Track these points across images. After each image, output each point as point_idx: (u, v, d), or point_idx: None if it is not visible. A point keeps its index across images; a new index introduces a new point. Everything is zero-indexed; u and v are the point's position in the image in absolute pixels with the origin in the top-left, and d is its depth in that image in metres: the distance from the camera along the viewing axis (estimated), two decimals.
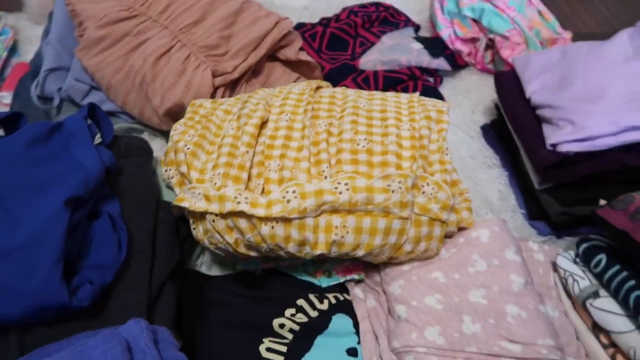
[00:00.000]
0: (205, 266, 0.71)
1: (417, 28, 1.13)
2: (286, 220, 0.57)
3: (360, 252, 0.59)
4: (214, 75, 0.84)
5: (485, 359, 0.54)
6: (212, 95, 0.85)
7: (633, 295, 0.55)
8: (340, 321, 0.61)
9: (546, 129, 0.73)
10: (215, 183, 0.60)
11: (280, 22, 0.91)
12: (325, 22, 1.10)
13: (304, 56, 0.93)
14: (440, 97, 0.97)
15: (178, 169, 0.64)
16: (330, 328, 0.60)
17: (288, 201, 0.57)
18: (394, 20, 1.12)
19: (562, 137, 0.69)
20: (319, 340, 0.59)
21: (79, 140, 0.60)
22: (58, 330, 0.49)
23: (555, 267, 0.67)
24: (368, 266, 0.68)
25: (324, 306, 0.61)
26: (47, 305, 0.47)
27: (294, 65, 0.95)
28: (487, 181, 0.84)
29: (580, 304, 0.62)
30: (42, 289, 0.47)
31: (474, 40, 1.05)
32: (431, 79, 1.02)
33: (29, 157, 0.55)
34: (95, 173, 0.55)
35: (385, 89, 0.96)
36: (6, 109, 0.91)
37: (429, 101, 0.72)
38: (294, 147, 0.63)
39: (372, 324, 0.61)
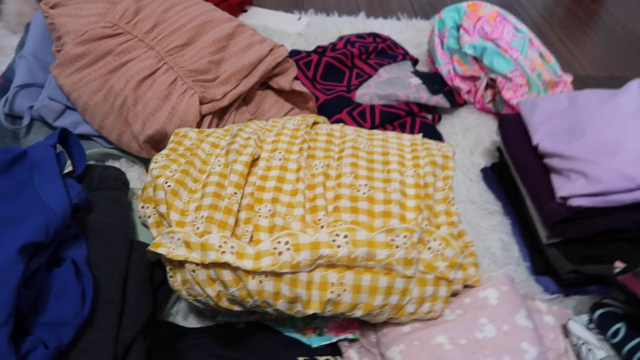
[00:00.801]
0: (181, 315, 0.63)
1: (415, 62, 1.09)
2: (276, 274, 0.51)
3: (358, 313, 0.53)
4: (202, 102, 0.78)
5: None
6: (199, 124, 0.78)
7: None
8: None
9: (556, 180, 0.68)
10: (198, 228, 0.53)
11: (275, 49, 0.86)
12: (321, 50, 1.05)
13: (298, 86, 0.87)
14: (438, 135, 0.92)
15: (156, 208, 0.58)
16: None
17: (280, 253, 0.50)
18: (391, 52, 1.08)
19: (574, 190, 0.64)
20: None
21: (44, 174, 0.53)
22: None
23: (565, 331, 0.62)
24: (364, 324, 0.61)
25: None
26: None
27: (287, 95, 0.89)
28: (488, 229, 0.79)
29: None
30: None
31: (473, 78, 1.02)
32: (429, 116, 0.98)
33: None
34: (60, 214, 0.48)
35: (381, 123, 0.91)
36: None
37: (434, 144, 0.67)
38: (288, 190, 0.57)
39: None
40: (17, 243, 0.42)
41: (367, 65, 1.03)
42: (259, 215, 0.54)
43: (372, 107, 0.93)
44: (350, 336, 0.59)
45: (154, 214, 0.60)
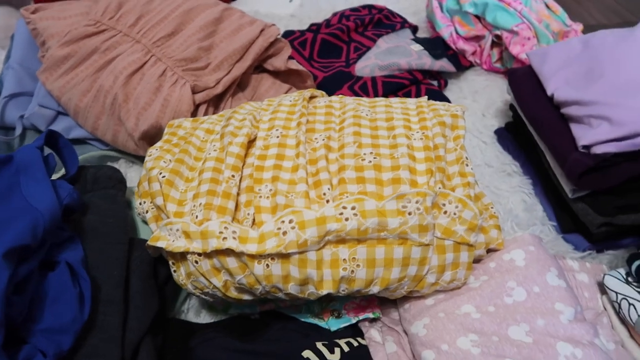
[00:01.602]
0: (192, 312, 0.60)
1: (414, 29, 1.04)
2: (283, 256, 0.47)
3: (374, 289, 0.49)
4: (194, 91, 0.75)
5: None
6: (194, 114, 0.75)
7: None
8: None
9: (576, 129, 0.63)
10: (197, 216, 0.50)
11: (266, 29, 0.82)
12: (315, 28, 1.01)
13: (294, 65, 0.84)
14: (446, 101, 0.88)
15: (153, 201, 0.55)
16: None
17: (284, 233, 0.47)
18: (389, 22, 1.03)
19: (598, 136, 0.60)
20: None
21: (31, 175, 0.50)
22: None
23: (602, 288, 0.57)
24: (384, 301, 0.58)
25: (335, 356, 0.50)
26: None
27: (284, 76, 0.86)
28: (509, 191, 0.75)
29: (639, 332, 0.52)
30: None
31: (478, 38, 0.97)
32: (435, 83, 0.93)
33: None
34: (47, 215, 0.45)
35: (385, 95, 0.87)
36: None
37: (440, 105, 0.62)
38: (288, 167, 0.53)
39: None
40: (1, 248, 0.40)
41: (364, 37, 0.99)
42: (260, 197, 0.51)
43: (373, 79, 0.88)
44: (370, 315, 0.56)
45: (152, 208, 0.57)
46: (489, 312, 0.51)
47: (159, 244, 0.50)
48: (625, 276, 0.56)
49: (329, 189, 0.51)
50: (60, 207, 0.49)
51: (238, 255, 0.48)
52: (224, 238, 0.47)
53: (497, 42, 0.95)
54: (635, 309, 0.52)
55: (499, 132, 0.84)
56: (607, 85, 0.62)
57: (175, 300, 0.60)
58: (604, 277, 0.56)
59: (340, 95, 0.66)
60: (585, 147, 0.61)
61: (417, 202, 0.48)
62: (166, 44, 0.77)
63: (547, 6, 0.98)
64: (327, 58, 0.96)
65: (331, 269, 0.48)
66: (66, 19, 0.82)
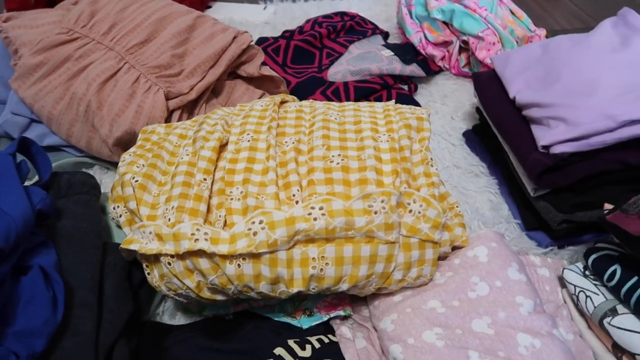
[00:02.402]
0: (167, 314, 0.61)
1: (385, 35, 1.07)
2: (254, 256, 0.49)
3: (343, 286, 0.51)
4: (168, 97, 0.76)
5: None
6: (168, 120, 0.76)
7: None
8: None
9: (536, 130, 0.66)
10: (169, 219, 0.51)
11: (238, 36, 0.83)
12: (288, 34, 1.03)
13: (267, 71, 0.85)
14: (416, 105, 0.90)
15: (126, 205, 0.56)
16: None
17: (255, 233, 0.48)
18: (360, 29, 1.06)
19: (555, 137, 0.62)
20: None
21: (3, 182, 0.51)
22: None
23: (562, 282, 0.60)
24: (354, 299, 0.59)
25: (307, 353, 0.52)
26: None
27: (257, 82, 0.87)
28: (476, 191, 0.77)
29: (596, 323, 0.54)
30: None
31: (446, 43, 1.00)
32: (405, 87, 0.96)
33: None
34: (20, 221, 0.46)
35: (357, 100, 0.89)
36: None
37: (407, 108, 0.65)
38: (259, 170, 0.55)
39: None
40: None
41: (336, 43, 1.01)
42: (231, 199, 0.52)
43: (345, 84, 0.91)
44: (341, 313, 0.57)
45: (125, 212, 0.58)
46: (454, 307, 0.53)
47: (132, 246, 0.51)
48: (582, 270, 0.58)
49: (298, 190, 0.53)
50: (33, 213, 0.50)
51: (210, 256, 0.49)
52: (196, 239, 0.49)
53: (465, 47, 0.99)
54: (591, 300, 0.55)
55: (466, 135, 0.87)
56: (563, 87, 0.65)
57: (150, 303, 0.61)
58: (563, 271, 0.59)
59: (310, 100, 0.68)
60: (544, 147, 0.64)
61: (382, 201, 0.50)
62: (139, 52, 0.78)
63: (512, 12, 1.02)
64: (300, 64, 0.98)
65: (301, 268, 0.50)
66: (38, 27, 0.82)
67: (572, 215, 0.65)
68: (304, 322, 0.56)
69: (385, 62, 0.93)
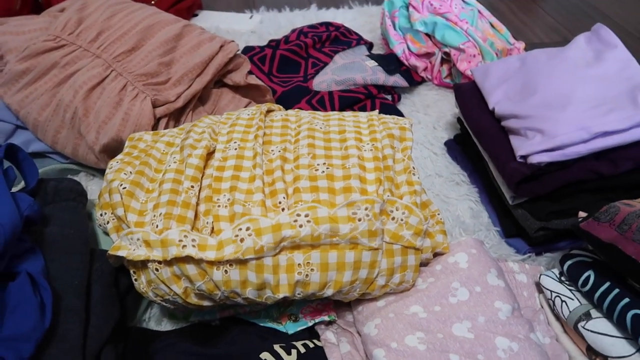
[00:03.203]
0: (154, 320, 0.62)
1: (370, 46, 1.09)
2: (241, 262, 0.50)
3: (328, 292, 0.52)
4: (155, 105, 0.77)
5: None
6: (155, 127, 0.77)
7: (629, 314, 0.50)
8: None
9: (514, 141, 0.69)
10: (157, 225, 0.52)
11: (225, 45, 0.85)
12: (274, 44, 1.05)
13: (253, 80, 0.86)
14: (399, 114, 0.92)
15: (114, 212, 0.56)
16: None
17: (242, 240, 0.49)
18: (345, 39, 1.08)
19: (532, 147, 0.65)
20: None
21: None
22: None
23: (539, 288, 0.62)
24: (339, 305, 0.61)
25: (292, 357, 0.53)
26: None
27: (244, 90, 0.89)
28: (457, 199, 0.80)
29: (571, 327, 0.56)
30: None
31: (428, 55, 1.02)
32: (389, 97, 0.98)
33: None
34: (8, 227, 0.46)
35: (341, 109, 0.91)
36: None
37: (390, 118, 0.66)
38: (245, 177, 0.56)
39: None
40: None
41: (321, 53, 1.03)
42: (218, 206, 0.53)
43: (330, 93, 0.92)
44: (326, 318, 0.58)
45: (112, 219, 0.58)
46: (435, 312, 0.54)
47: (120, 253, 0.52)
48: (558, 276, 0.61)
49: (284, 197, 0.54)
50: (21, 219, 0.50)
51: (197, 262, 0.50)
52: (184, 246, 0.49)
53: (447, 58, 1.01)
54: (567, 305, 0.57)
55: (448, 144, 0.89)
56: (540, 100, 0.68)
57: (137, 309, 0.61)
58: (540, 276, 0.61)
59: (296, 110, 0.70)
60: (522, 157, 0.66)
61: (366, 208, 0.51)
62: (127, 59, 0.78)
63: (492, 25, 1.05)
64: (285, 73, 0.99)
65: (287, 274, 0.51)
66: (25, 33, 0.82)
67: (549, 223, 0.67)
68: (289, 327, 0.57)
69: (370, 72, 0.95)
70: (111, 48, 0.79)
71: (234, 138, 0.61)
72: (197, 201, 0.55)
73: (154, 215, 0.53)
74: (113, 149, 0.74)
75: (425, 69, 1.03)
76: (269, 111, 0.68)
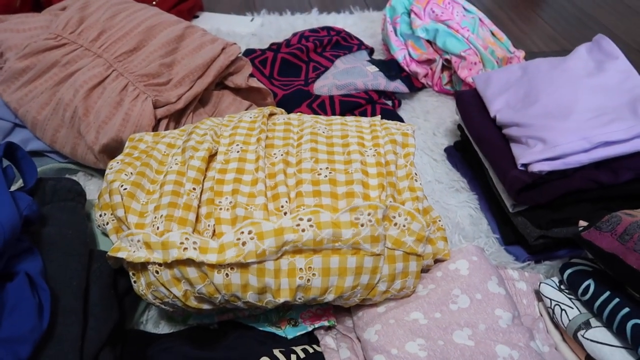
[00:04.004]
0: (151, 323, 0.61)
1: (370, 51, 1.10)
2: (242, 265, 0.49)
3: (329, 297, 0.52)
4: (156, 105, 0.76)
5: None
6: (155, 128, 0.77)
7: (629, 324, 0.50)
8: None
9: (515, 149, 0.69)
10: (158, 227, 0.51)
11: (227, 47, 0.84)
12: (275, 47, 1.05)
13: (254, 83, 0.86)
14: (399, 120, 0.92)
15: (114, 213, 0.56)
16: None
17: (243, 243, 0.49)
18: (346, 44, 1.08)
19: (534, 156, 0.65)
20: None
21: None
22: None
23: (539, 295, 0.62)
24: (338, 310, 0.60)
25: None
26: None
27: (245, 93, 0.88)
28: (457, 206, 0.80)
29: (570, 336, 0.56)
30: None
31: (429, 61, 1.03)
32: (389, 102, 0.98)
33: None
34: (7, 227, 0.46)
35: (342, 114, 0.91)
36: None
37: (392, 124, 0.66)
38: (248, 180, 0.56)
39: None
40: None
41: (323, 57, 1.03)
42: (220, 209, 0.53)
43: (331, 97, 0.92)
44: (325, 323, 0.58)
45: (112, 220, 0.58)
46: (436, 318, 0.54)
47: (120, 254, 0.51)
48: (558, 284, 0.61)
49: (286, 201, 0.54)
50: (20, 219, 0.49)
51: (198, 265, 0.49)
52: (185, 248, 0.49)
53: (447, 65, 1.02)
54: (566, 314, 0.57)
55: (448, 150, 0.89)
56: (541, 109, 0.68)
57: (134, 311, 0.61)
58: (540, 285, 0.61)
59: (298, 113, 0.70)
60: (523, 165, 0.67)
61: (369, 214, 0.51)
62: (128, 60, 0.78)
63: (493, 34, 1.05)
64: (286, 76, 0.99)
65: (288, 278, 0.50)
66: (25, 31, 0.82)
67: (549, 231, 0.67)
68: (288, 332, 0.57)
69: (370, 77, 0.95)
70: (112, 48, 0.78)
71: (237, 141, 0.60)
72: (198, 203, 0.54)
73: (155, 217, 0.53)
74: (113, 149, 0.74)
75: (425, 76, 1.03)
76: (271, 114, 0.68)
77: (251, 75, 0.88)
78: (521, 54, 1.05)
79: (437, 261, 0.60)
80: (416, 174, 0.60)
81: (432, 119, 0.98)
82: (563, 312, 0.57)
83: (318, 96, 0.93)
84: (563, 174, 0.66)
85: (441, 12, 1.01)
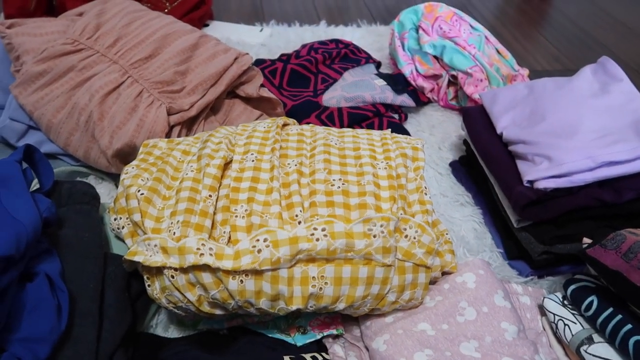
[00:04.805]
0: (161, 327, 0.62)
1: (378, 65, 1.12)
2: (257, 272, 0.51)
3: (340, 306, 0.53)
4: (170, 112, 0.78)
5: None
6: (168, 135, 0.78)
7: (632, 340, 0.51)
8: None
9: (522, 165, 0.70)
10: (174, 233, 0.53)
11: (240, 57, 0.86)
12: (285, 58, 1.07)
13: (265, 93, 0.88)
14: (406, 133, 0.94)
15: (130, 217, 0.57)
16: None
17: (259, 251, 0.50)
18: (354, 57, 1.10)
19: (540, 173, 0.67)
20: None
21: (11, 189, 0.51)
22: None
23: (542, 310, 0.63)
24: (347, 319, 0.61)
25: None
26: None
27: (255, 102, 0.90)
28: (461, 219, 0.81)
29: (573, 351, 0.58)
30: None
31: (436, 77, 1.05)
32: (396, 116, 1.00)
33: None
34: (30, 228, 0.47)
35: (350, 125, 0.92)
36: None
37: (403, 138, 0.68)
38: (263, 189, 0.57)
39: None
40: None
41: (331, 70, 1.05)
42: (236, 216, 0.54)
43: (339, 109, 0.94)
44: (334, 332, 0.59)
45: (128, 224, 0.59)
46: (443, 330, 0.56)
47: (137, 258, 0.52)
48: (561, 299, 0.62)
49: (300, 211, 0.55)
50: (41, 221, 0.50)
51: (214, 270, 0.51)
52: (201, 254, 0.50)
53: (453, 81, 1.04)
54: (569, 329, 0.58)
55: (453, 165, 0.91)
56: (547, 127, 0.70)
57: (145, 315, 0.62)
58: (543, 300, 0.62)
59: (310, 124, 0.71)
60: (529, 182, 0.68)
61: (381, 225, 0.53)
62: (143, 66, 0.79)
63: (498, 51, 1.07)
64: (296, 87, 1.01)
65: (301, 286, 0.52)
66: (42, 35, 0.83)
67: (552, 247, 0.69)
68: (297, 339, 0.58)
69: (378, 90, 0.97)
70: (128, 54, 0.80)
71: (251, 150, 0.62)
72: (214, 210, 0.55)
73: (172, 223, 0.54)
74: (126, 154, 0.75)
75: (431, 90, 1.05)
76: (284, 125, 0.70)
77: (262, 85, 0.90)
78: (525, 72, 1.07)
79: (444, 273, 0.61)
80: (426, 188, 0.62)
81: (437, 133, 0.99)
82: (566, 327, 0.58)
83: (327, 107, 0.94)
84: (568, 191, 0.68)
85: (449, 29, 1.03)
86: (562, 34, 1.44)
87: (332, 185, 0.57)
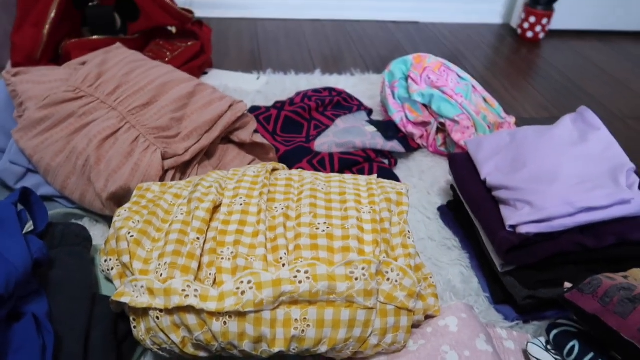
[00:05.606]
0: None
1: (369, 112, 1.15)
2: (240, 314, 0.52)
3: (322, 348, 0.54)
4: (165, 157, 0.80)
5: None
6: (162, 178, 0.80)
7: None
8: None
9: (504, 211, 0.72)
10: (161, 274, 0.54)
11: (234, 104, 0.90)
12: (279, 105, 1.11)
13: (258, 138, 0.91)
14: (395, 178, 0.97)
15: (119, 259, 0.58)
16: None
17: (242, 293, 0.51)
18: (347, 104, 1.14)
19: (521, 218, 0.68)
20: None
21: (5, 230, 0.53)
22: None
23: (526, 355, 0.64)
24: None
25: None
26: None
27: (249, 148, 0.93)
28: (448, 263, 0.82)
29: None
30: None
31: (425, 124, 1.08)
32: (386, 161, 1.02)
33: None
34: (21, 268, 0.48)
35: (341, 170, 0.95)
36: None
37: (388, 183, 0.70)
38: (249, 232, 0.59)
39: None
40: None
41: (324, 116, 1.08)
42: (222, 258, 0.56)
43: (330, 155, 0.97)
44: None
45: (117, 265, 0.60)
46: None
47: (123, 299, 0.53)
48: (545, 344, 0.62)
49: (285, 253, 0.56)
50: (31, 262, 0.52)
51: (198, 312, 0.52)
52: (186, 295, 0.51)
53: (442, 128, 1.07)
54: None
55: (441, 209, 0.93)
56: (528, 174, 0.72)
57: (131, 356, 0.62)
58: (527, 344, 0.63)
59: (299, 170, 0.74)
60: (511, 226, 0.70)
61: (363, 268, 0.54)
62: (140, 113, 0.83)
63: (485, 100, 1.11)
64: (289, 133, 1.04)
65: (284, 328, 0.53)
66: (45, 83, 0.87)
67: (536, 292, 0.70)
68: None
69: (369, 137, 1.00)
70: (127, 102, 0.83)
71: (240, 194, 0.64)
72: (201, 252, 0.57)
73: (159, 264, 0.55)
74: (120, 197, 0.77)
75: (421, 137, 1.08)
76: (273, 170, 0.72)
77: (255, 131, 0.93)
78: (512, 119, 1.10)
79: (427, 317, 0.62)
80: (409, 232, 0.63)
81: (426, 178, 1.02)
82: None
83: (318, 153, 0.97)
84: (549, 236, 0.69)
85: (436, 79, 1.08)
86: (550, 83, 1.49)
87: (317, 228, 0.59)
